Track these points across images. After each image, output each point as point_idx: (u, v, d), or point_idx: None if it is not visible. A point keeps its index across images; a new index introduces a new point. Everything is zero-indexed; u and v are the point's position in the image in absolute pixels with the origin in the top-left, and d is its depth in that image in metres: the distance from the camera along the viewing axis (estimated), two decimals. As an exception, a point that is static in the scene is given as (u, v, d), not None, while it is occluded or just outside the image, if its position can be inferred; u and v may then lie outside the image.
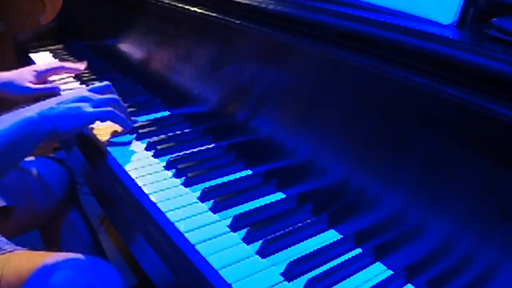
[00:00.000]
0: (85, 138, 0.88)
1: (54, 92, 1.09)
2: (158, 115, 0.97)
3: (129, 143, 0.85)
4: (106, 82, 0.86)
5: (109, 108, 0.79)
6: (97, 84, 0.85)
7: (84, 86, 1.10)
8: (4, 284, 0.74)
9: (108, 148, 0.82)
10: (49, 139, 0.74)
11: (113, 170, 0.78)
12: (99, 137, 0.86)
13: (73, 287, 0.73)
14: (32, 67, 1.10)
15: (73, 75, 1.18)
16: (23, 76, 1.06)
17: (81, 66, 1.16)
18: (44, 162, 1.07)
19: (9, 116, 0.70)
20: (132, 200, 0.71)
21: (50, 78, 1.13)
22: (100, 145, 0.84)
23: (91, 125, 0.85)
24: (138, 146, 0.84)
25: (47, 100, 0.76)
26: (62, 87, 1.11)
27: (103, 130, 0.87)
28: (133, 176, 0.74)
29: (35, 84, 1.07)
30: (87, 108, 0.76)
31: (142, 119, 0.93)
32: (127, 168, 0.76)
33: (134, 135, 0.86)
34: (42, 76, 1.09)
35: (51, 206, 1.04)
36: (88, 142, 0.87)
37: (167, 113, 0.98)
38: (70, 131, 0.75)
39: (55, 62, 1.15)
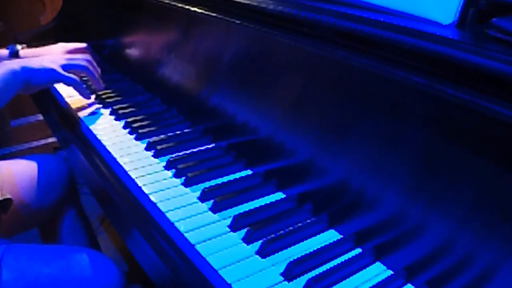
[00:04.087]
0: (64, 111, 1.03)
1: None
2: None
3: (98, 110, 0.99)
4: (86, 55, 1.00)
5: (75, 78, 0.93)
6: (78, 55, 1.00)
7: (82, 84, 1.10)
8: (3, 274, 0.74)
9: (79, 114, 0.97)
10: (23, 90, 0.88)
11: (86, 135, 0.90)
12: (73, 106, 1.01)
13: (69, 277, 0.73)
14: (61, 45, 1.13)
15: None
16: (52, 52, 1.10)
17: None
18: (46, 158, 1.07)
19: None
20: (132, 200, 0.71)
21: None
22: (74, 114, 0.98)
23: (67, 99, 1.04)
24: (138, 146, 0.84)
25: (28, 58, 0.96)
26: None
27: (77, 102, 1.02)
28: (133, 176, 0.74)
29: None
30: (58, 69, 0.91)
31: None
32: (127, 168, 0.76)
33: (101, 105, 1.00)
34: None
35: (51, 203, 1.04)
36: (66, 114, 1.02)
37: (166, 113, 0.97)
38: (40, 84, 0.90)
39: (83, 44, 1.18)
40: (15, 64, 0.86)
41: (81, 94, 0.96)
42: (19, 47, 1.09)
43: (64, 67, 0.93)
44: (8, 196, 0.91)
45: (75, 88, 0.94)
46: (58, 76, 0.91)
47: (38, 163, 1.05)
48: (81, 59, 0.97)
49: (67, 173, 1.10)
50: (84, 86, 0.97)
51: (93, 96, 1.03)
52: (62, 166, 1.09)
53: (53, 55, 0.97)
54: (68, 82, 0.93)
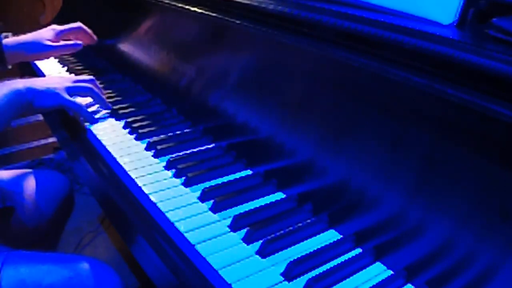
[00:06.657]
0: (69, 118, 0.97)
1: (75, 48, 1.10)
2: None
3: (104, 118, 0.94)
4: (90, 77, 0.96)
5: (79, 102, 0.90)
6: (83, 77, 0.95)
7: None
8: (3, 282, 0.74)
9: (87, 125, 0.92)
10: (26, 111, 0.84)
11: (86, 135, 0.89)
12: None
13: (70, 287, 0.73)
14: (51, 27, 1.08)
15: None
16: (41, 35, 1.06)
17: (95, 37, 1.17)
18: (51, 175, 1.07)
19: None
20: (132, 200, 0.71)
21: None
22: (80, 123, 0.93)
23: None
24: (138, 146, 0.84)
25: (34, 78, 0.89)
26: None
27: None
28: (133, 176, 0.74)
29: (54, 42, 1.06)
30: (63, 93, 0.87)
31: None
32: (127, 168, 0.76)
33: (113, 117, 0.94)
34: (61, 35, 1.09)
35: (50, 219, 1.03)
36: (71, 121, 0.96)
37: (166, 113, 0.97)
38: (43, 107, 0.86)
39: (75, 23, 1.14)
40: (19, 84, 0.83)
41: (85, 118, 0.92)
42: (3, 35, 1.03)
43: (68, 90, 0.89)
44: (10, 205, 0.91)
45: (79, 113, 0.90)
46: (61, 101, 0.87)
47: (43, 177, 1.04)
48: (86, 80, 0.93)
49: (68, 193, 1.09)
50: (89, 113, 0.92)
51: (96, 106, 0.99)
52: (65, 185, 1.09)
53: (59, 77, 0.92)
54: (72, 107, 0.89)
